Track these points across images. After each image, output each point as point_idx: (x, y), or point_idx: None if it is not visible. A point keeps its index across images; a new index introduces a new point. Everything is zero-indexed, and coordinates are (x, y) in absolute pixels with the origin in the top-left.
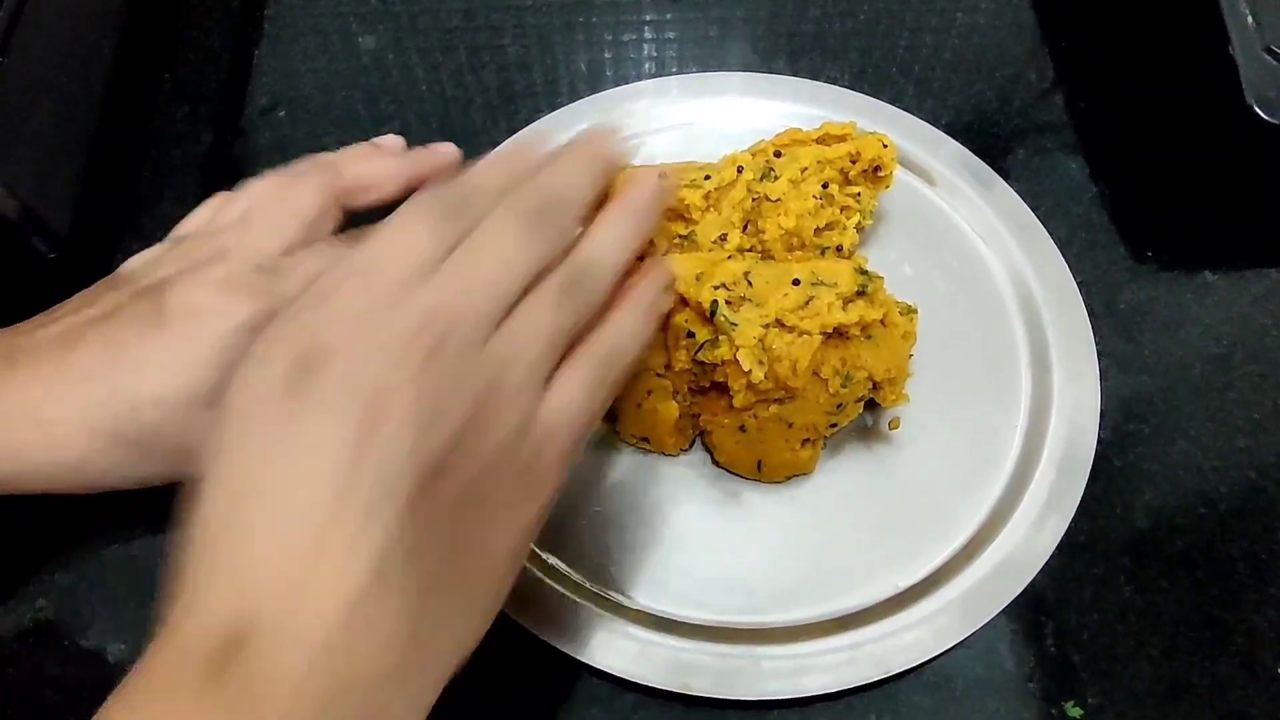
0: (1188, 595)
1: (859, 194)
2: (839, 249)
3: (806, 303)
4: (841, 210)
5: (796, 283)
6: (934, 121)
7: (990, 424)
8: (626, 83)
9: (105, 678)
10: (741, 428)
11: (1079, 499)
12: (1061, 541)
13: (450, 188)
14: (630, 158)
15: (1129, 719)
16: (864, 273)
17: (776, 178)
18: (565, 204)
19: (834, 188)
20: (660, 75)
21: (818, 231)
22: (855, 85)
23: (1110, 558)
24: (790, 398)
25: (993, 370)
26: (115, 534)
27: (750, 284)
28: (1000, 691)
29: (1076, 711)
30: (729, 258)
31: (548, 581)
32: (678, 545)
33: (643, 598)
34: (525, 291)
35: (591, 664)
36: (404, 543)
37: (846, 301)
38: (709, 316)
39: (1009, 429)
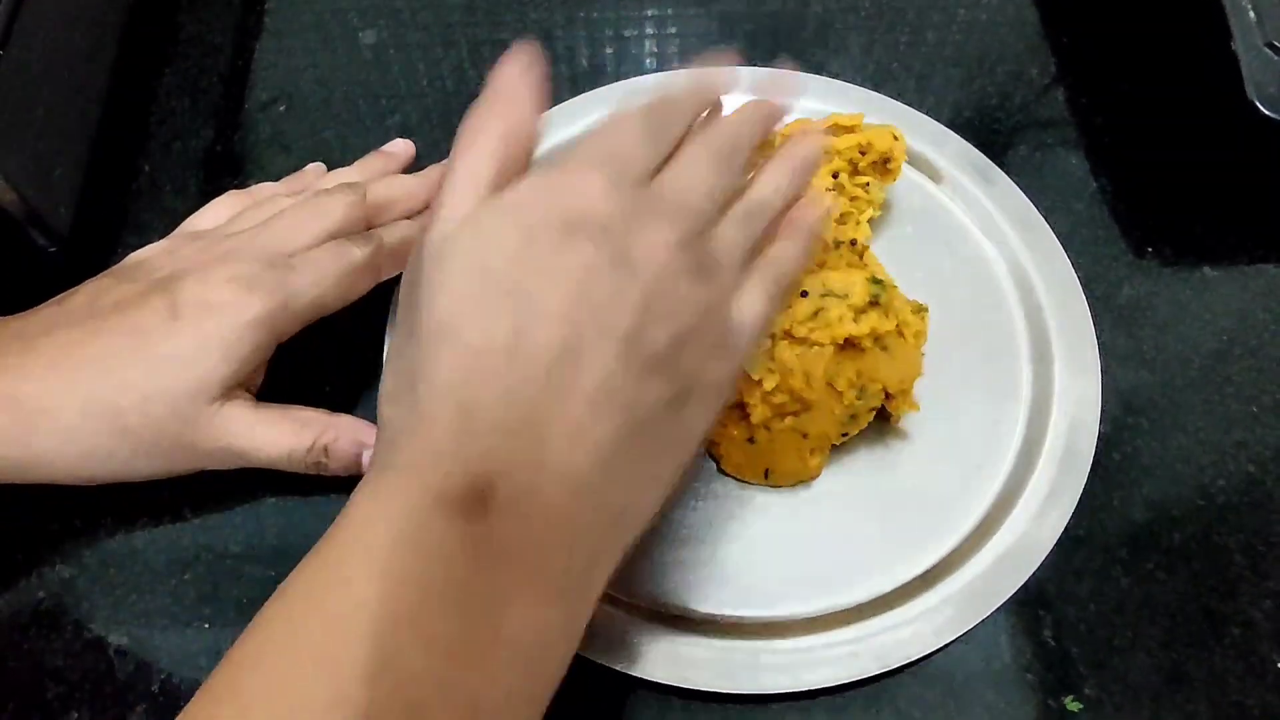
0: (1185, 588)
1: (868, 184)
2: (853, 243)
3: (815, 314)
4: (851, 200)
5: (805, 294)
6: (935, 117)
7: (991, 418)
8: (628, 77)
9: (106, 670)
10: (751, 439)
11: (1079, 493)
12: (1060, 535)
13: (654, 110)
14: (789, 114)
15: (1127, 712)
16: (877, 282)
17: None
18: (743, 148)
19: (844, 178)
20: (662, 70)
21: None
22: (857, 80)
23: (1108, 551)
24: (805, 409)
25: (994, 364)
26: (117, 526)
27: None
28: (999, 685)
29: (1075, 705)
30: None
31: None
32: (677, 539)
33: (641, 591)
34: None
35: (590, 658)
36: (631, 424)
37: (859, 312)
38: None
39: (1010, 423)
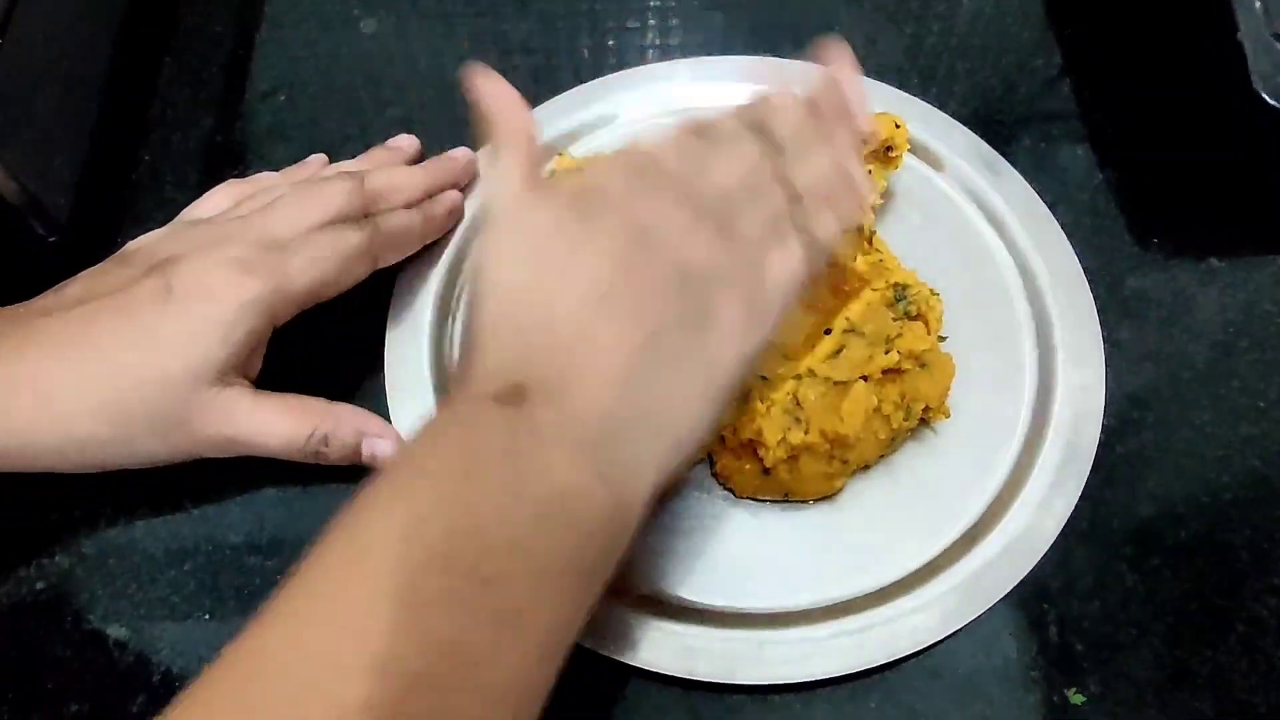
0: (1190, 583)
1: (870, 172)
2: (859, 229)
3: (838, 352)
4: None
5: (829, 332)
6: (940, 108)
7: (995, 409)
8: (630, 67)
9: (106, 661)
10: (766, 471)
11: (1083, 484)
12: (1064, 529)
13: (701, 120)
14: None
15: (1130, 707)
16: (900, 297)
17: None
18: (784, 130)
19: None
20: (664, 60)
21: None
22: (862, 71)
23: (1112, 546)
24: (844, 446)
25: (998, 355)
26: (116, 516)
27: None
28: (1002, 679)
29: (1079, 699)
30: None
31: None
32: (681, 531)
33: (647, 583)
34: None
35: (596, 650)
36: (653, 334)
37: (890, 341)
38: None
39: (1014, 414)
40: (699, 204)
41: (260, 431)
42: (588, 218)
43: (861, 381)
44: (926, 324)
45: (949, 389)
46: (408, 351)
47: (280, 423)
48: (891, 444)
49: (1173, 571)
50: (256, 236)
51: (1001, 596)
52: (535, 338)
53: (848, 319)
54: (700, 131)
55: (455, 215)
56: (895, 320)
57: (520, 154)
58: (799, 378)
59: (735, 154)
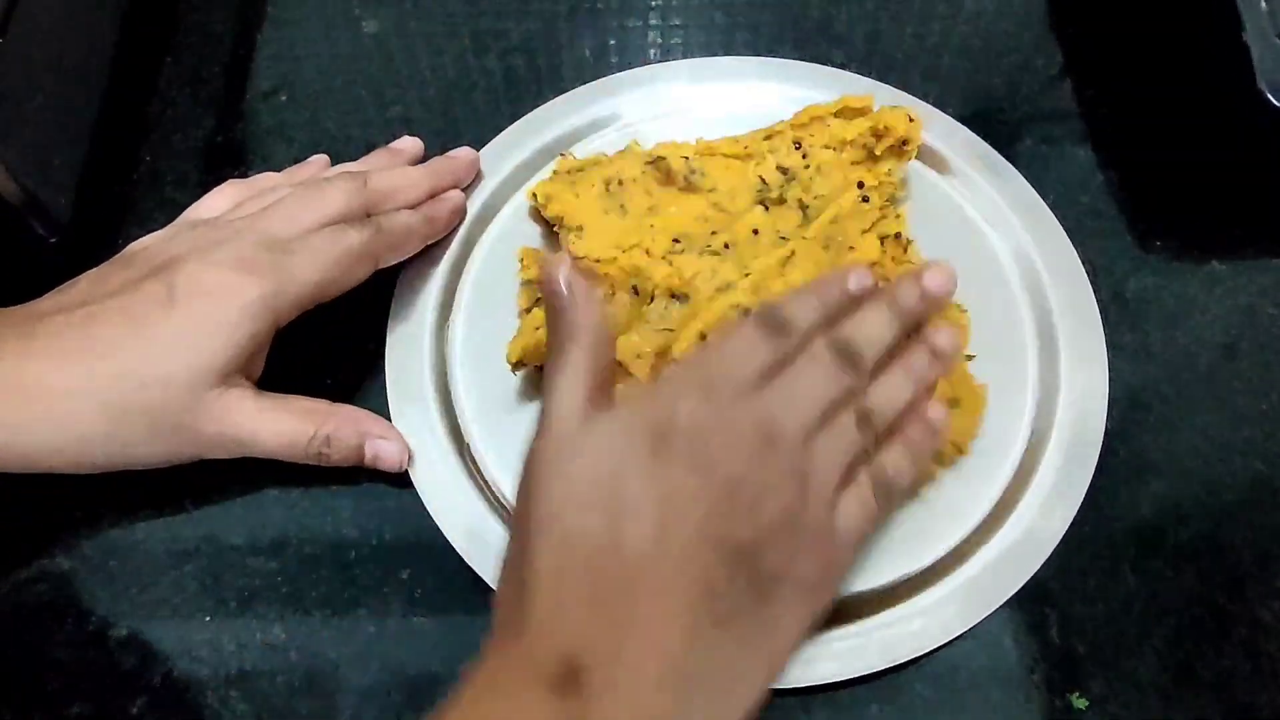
0: (1193, 586)
1: (890, 170)
2: (897, 236)
3: None
4: (877, 187)
5: None
6: (941, 108)
7: (998, 411)
8: (631, 67)
9: (107, 662)
10: None
11: (1086, 487)
12: (1066, 531)
13: (777, 311)
14: (937, 309)
15: (1133, 710)
16: None
17: (805, 155)
18: (870, 348)
19: (865, 175)
20: (665, 60)
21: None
22: (862, 71)
23: (1115, 548)
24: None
25: (1000, 356)
26: (117, 517)
27: None
28: (1004, 682)
29: (1081, 703)
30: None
31: None
32: None
33: None
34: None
35: None
36: (714, 615)
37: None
38: None
39: (1016, 416)
40: (777, 445)
41: (262, 433)
42: (664, 455)
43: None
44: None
45: (982, 417)
46: (408, 351)
47: (282, 424)
48: (915, 490)
49: (1175, 574)
50: (258, 237)
51: (1004, 601)
52: (594, 599)
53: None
54: (779, 330)
55: (457, 216)
56: None
57: (590, 360)
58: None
59: (820, 379)
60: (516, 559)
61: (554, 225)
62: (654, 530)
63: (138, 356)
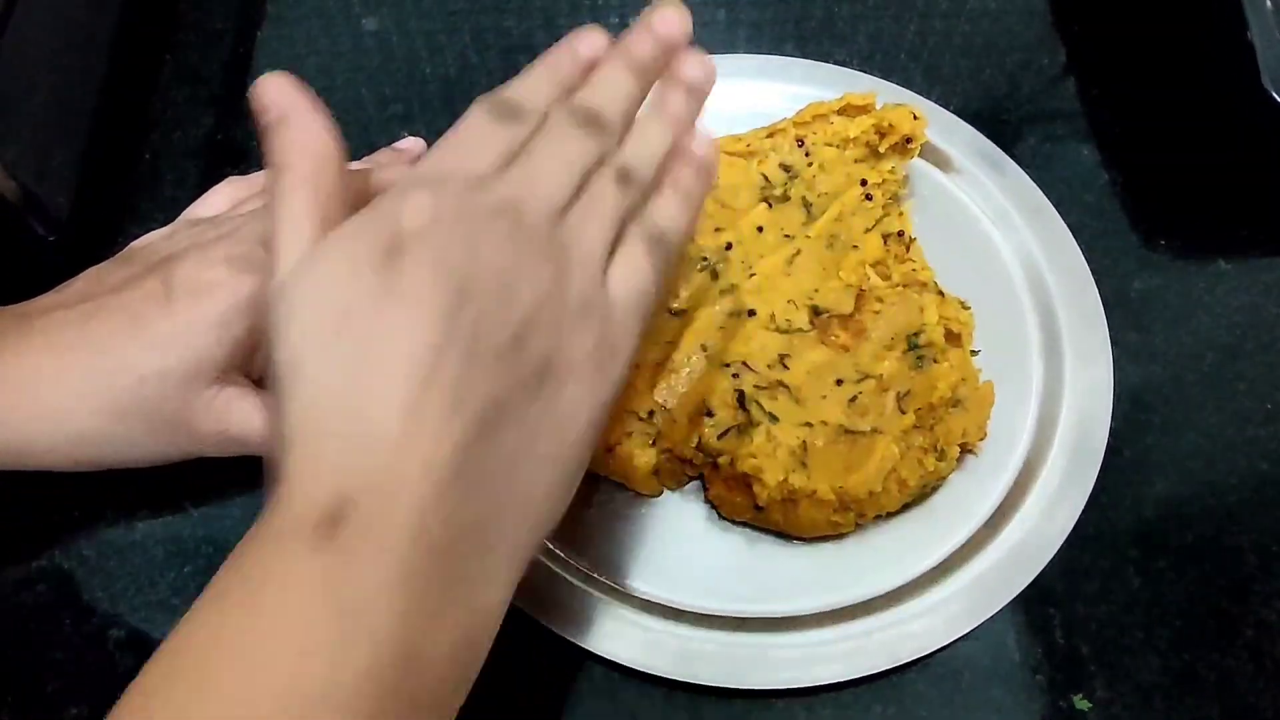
0: (1196, 587)
1: (893, 168)
2: (900, 234)
3: (852, 400)
4: (880, 185)
5: (840, 382)
6: (944, 106)
7: (1002, 410)
8: None
9: (106, 663)
10: (759, 507)
11: (1090, 488)
12: (1069, 532)
13: (504, 98)
14: (686, 46)
15: (1137, 711)
16: (914, 345)
17: (808, 153)
18: (611, 105)
19: (868, 173)
20: None
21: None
22: (864, 69)
23: (1118, 549)
24: (860, 502)
25: (1004, 355)
26: (116, 517)
27: (786, 367)
28: (1007, 683)
29: (1084, 704)
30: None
31: (556, 570)
32: (686, 534)
33: (650, 587)
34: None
35: (599, 653)
36: (487, 417)
37: (901, 397)
38: (739, 404)
39: (1020, 415)
40: (524, 227)
41: (261, 430)
42: (395, 269)
43: (879, 435)
44: (960, 341)
45: (989, 415)
46: None
47: None
48: (922, 491)
49: (1179, 575)
50: (255, 234)
51: (1008, 602)
52: (351, 435)
53: (856, 366)
54: (510, 115)
55: None
56: (911, 371)
57: (311, 192)
58: (809, 425)
59: (560, 150)
60: (273, 413)
61: None
62: (398, 351)
63: (135, 353)
